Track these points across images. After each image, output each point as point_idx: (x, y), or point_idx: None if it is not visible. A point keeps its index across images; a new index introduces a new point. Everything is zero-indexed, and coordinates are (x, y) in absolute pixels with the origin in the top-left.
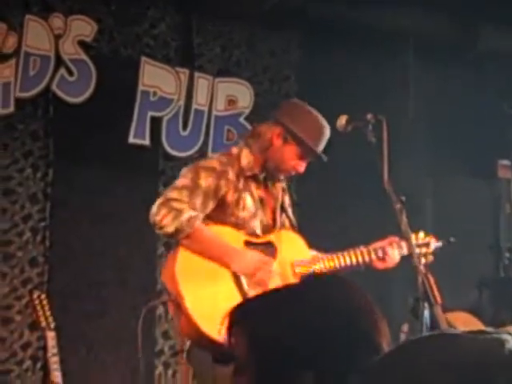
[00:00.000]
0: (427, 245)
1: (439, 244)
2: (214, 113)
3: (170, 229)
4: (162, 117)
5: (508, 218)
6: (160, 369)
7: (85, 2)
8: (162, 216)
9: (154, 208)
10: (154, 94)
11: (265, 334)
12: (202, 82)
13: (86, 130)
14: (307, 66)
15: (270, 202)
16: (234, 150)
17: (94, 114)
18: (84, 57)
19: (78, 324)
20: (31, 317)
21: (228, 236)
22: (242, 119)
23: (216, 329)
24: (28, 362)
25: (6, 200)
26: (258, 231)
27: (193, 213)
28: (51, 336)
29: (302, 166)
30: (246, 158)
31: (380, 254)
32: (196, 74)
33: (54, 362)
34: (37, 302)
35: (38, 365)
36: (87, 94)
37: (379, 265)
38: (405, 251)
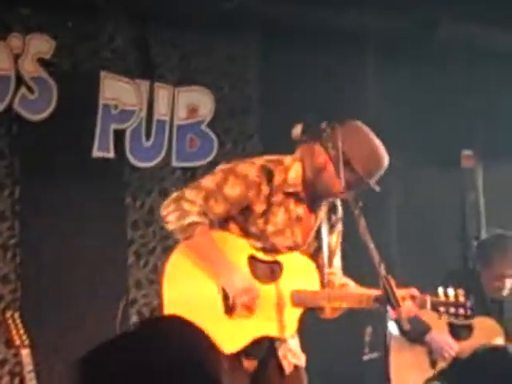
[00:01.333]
0: (463, 306)
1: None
2: (176, 122)
3: (171, 226)
4: (125, 129)
5: (473, 208)
6: None
7: (42, 20)
8: (167, 212)
9: (166, 201)
10: (116, 106)
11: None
12: (163, 92)
13: (50, 146)
14: (267, 69)
15: (308, 222)
16: (287, 160)
17: (57, 130)
18: (44, 74)
19: (53, 339)
20: (6, 335)
21: (232, 246)
22: (203, 126)
23: None
24: (6, 378)
25: None
26: (288, 244)
27: (198, 218)
28: (26, 353)
29: (350, 194)
30: (295, 173)
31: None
32: (156, 85)
33: (30, 378)
34: (10, 321)
35: (16, 381)
36: (49, 111)
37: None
38: (428, 307)
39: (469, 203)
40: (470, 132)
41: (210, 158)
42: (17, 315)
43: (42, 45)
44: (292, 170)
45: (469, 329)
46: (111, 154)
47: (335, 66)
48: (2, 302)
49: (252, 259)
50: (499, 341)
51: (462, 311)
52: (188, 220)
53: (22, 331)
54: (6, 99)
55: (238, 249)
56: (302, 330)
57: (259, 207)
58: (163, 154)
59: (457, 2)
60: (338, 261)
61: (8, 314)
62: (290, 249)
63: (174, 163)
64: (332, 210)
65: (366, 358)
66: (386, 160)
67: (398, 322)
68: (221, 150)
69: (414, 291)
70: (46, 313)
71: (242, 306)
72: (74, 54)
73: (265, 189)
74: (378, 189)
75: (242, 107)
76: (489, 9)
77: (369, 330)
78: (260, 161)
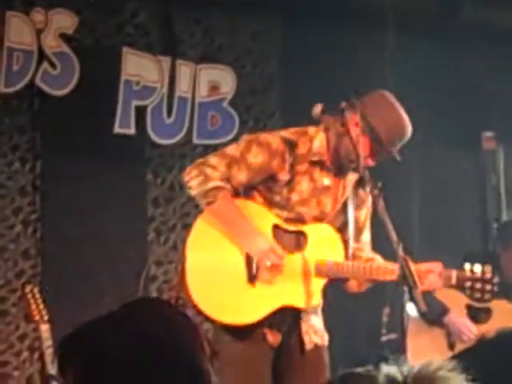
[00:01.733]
0: (489, 282)
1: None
2: (198, 99)
3: (193, 192)
4: (147, 105)
5: (494, 190)
6: None
7: None
8: (190, 177)
9: (189, 167)
10: (137, 83)
11: (95, 364)
12: (184, 69)
13: (71, 121)
14: (289, 47)
15: (336, 190)
16: (311, 131)
17: (78, 106)
18: (66, 49)
19: (73, 314)
20: (25, 309)
21: (256, 214)
22: (225, 104)
23: (205, 301)
24: (25, 353)
25: None
26: (314, 214)
27: (220, 183)
28: (45, 328)
29: (373, 161)
30: (319, 142)
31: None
32: (178, 62)
33: (49, 353)
34: (29, 295)
35: (35, 355)
36: (71, 86)
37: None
38: (453, 282)
39: (489, 185)
40: (491, 114)
41: (231, 136)
42: (36, 290)
43: (64, 20)
44: (316, 139)
45: (488, 312)
46: (132, 131)
47: (356, 45)
48: (22, 276)
49: (276, 228)
50: None
51: (488, 287)
52: (211, 185)
53: (41, 306)
54: (28, 74)
55: (263, 217)
56: (322, 310)
57: (283, 176)
58: (184, 131)
59: None
60: (366, 236)
61: (28, 288)
62: (316, 219)
63: (195, 140)
64: (360, 184)
65: (384, 338)
66: (408, 129)
67: (415, 304)
68: (242, 128)
69: (439, 265)
70: (66, 288)
71: (268, 269)
72: (96, 30)
73: (288, 158)
74: (399, 158)
75: (264, 85)
76: None
77: (386, 310)
78: (284, 132)
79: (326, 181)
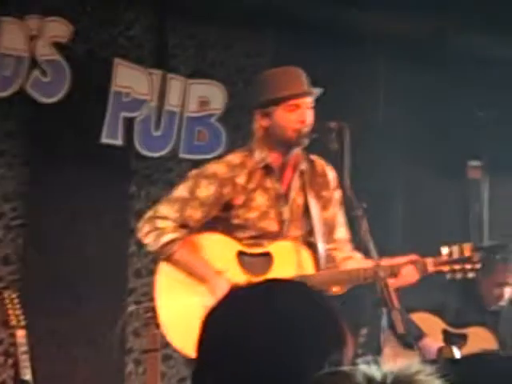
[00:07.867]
0: (469, 261)
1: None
2: (186, 114)
3: (151, 248)
4: (135, 117)
5: (477, 219)
6: (130, 366)
7: (61, 4)
8: (143, 233)
9: (141, 223)
10: (127, 94)
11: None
12: (175, 84)
13: (60, 129)
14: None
15: (291, 194)
16: (249, 146)
17: (67, 114)
18: (58, 58)
19: (50, 321)
20: (2, 315)
21: (219, 246)
22: (213, 120)
23: (179, 339)
24: (1, 358)
25: None
26: (274, 229)
27: (173, 235)
28: (21, 334)
29: (303, 116)
30: (259, 149)
31: (394, 271)
32: (168, 76)
33: (24, 359)
34: (7, 301)
35: (10, 361)
36: (61, 95)
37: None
38: (430, 270)
39: (473, 214)
40: (478, 143)
41: (217, 152)
42: (15, 295)
43: (59, 28)
44: (256, 150)
45: (464, 338)
46: (119, 142)
47: (347, 68)
48: (1, 282)
49: (241, 254)
50: None
51: (468, 266)
52: (165, 238)
53: (18, 312)
54: (19, 80)
55: (225, 247)
56: None
57: (239, 200)
58: (171, 144)
59: (467, 11)
60: (342, 233)
61: (6, 293)
62: (278, 230)
63: (181, 155)
64: (323, 186)
65: (359, 360)
66: (291, 68)
67: (392, 325)
68: (230, 145)
69: (414, 256)
70: (45, 295)
71: None
72: (90, 40)
73: (240, 179)
74: (316, 92)
75: None
76: (497, 19)
77: (364, 331)
78: (229, 157)
79: (278, 186)
